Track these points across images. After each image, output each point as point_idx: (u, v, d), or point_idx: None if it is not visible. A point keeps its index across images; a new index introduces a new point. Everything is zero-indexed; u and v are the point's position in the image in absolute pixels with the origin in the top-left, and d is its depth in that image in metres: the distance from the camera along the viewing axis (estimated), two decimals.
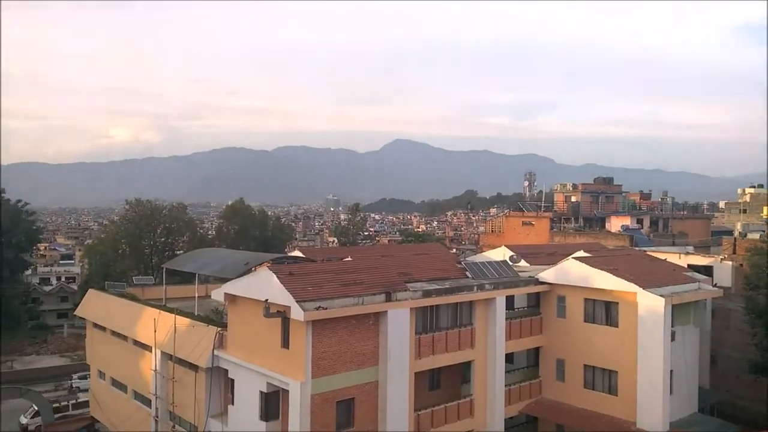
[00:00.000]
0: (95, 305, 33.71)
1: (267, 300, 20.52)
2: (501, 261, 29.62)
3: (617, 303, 25.95)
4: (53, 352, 64.70)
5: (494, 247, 38.85)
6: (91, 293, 35.20)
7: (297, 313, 19.67)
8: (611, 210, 59.56)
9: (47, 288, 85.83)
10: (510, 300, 27.80)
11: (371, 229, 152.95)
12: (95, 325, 33.26)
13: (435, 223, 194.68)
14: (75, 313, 38.31)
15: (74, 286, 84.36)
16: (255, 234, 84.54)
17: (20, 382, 47.17)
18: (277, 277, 20.90)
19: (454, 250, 68.54)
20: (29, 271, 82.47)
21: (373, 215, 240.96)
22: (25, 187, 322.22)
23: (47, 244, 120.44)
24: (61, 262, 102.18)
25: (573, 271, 27.25)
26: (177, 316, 25.64)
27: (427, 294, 23.54)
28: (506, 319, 26.47)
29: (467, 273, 26.67)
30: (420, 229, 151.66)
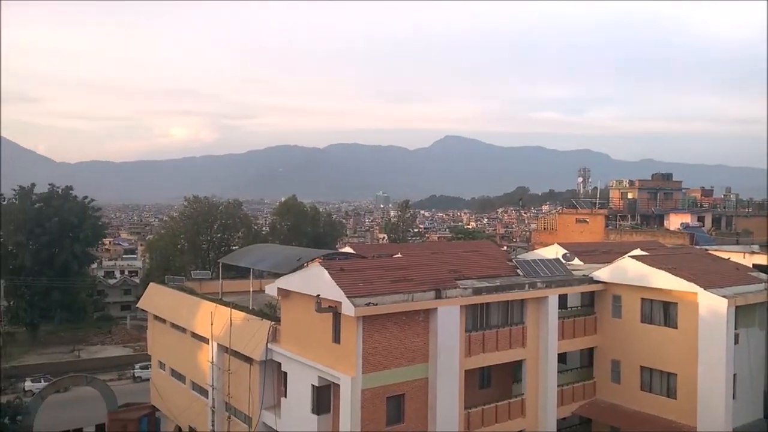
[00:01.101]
0: (156, 298, 35.13)
1: (318, 295, 20.89)
2: (554, 259, 29.09)
3: (676, 303, 25.05)
4: (117, 343, 67.80)
5: (546, 245, 38.18)
6: (152, 287, 36.68)
7: (348, 308, 19.95)
8: (670, 207, 57.49)
9: (111, 281, 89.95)
10: (563, 299, 27.28)
11: (421, 226, 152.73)
12: (156, 318, 34.64)
13: (485, 221, 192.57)
14: (137, 305, 40.02)
15: (136, 280, 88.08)
16: (307, 230, 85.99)
17: (86, 370, 49.73)
18: (329, 273, 21.23)
19: (505, 248, 67.67)
20: (95, 265, 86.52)
21: (422, 212, 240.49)
22: (91, 184, 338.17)
23: (111, 239, 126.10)
24: (124, 256, 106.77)
25: (630, 270, 26.48)
26: (232, 309, 26.43)
27: (477, 291, 23.40)
28: (559, 318, 25.99)
29: (518, 271, 26.33)
30: (470, 227, 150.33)
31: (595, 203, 59.18)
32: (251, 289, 29.51)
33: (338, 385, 21.02)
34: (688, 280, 24.59)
